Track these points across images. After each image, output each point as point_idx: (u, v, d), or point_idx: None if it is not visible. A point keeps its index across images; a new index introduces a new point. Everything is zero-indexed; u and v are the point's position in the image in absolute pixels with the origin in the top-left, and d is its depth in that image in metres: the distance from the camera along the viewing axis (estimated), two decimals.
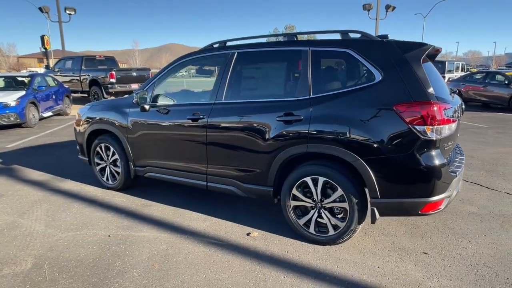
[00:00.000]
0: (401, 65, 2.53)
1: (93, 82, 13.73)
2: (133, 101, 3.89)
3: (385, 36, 2.78)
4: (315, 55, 2.87)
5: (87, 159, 4.52)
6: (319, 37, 3.23)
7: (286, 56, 3.15)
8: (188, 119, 3.39)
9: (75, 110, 9.32)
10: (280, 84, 3.25)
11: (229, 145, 3.20)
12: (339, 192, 2.70)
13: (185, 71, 3.88)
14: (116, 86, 13.30)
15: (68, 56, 15.87)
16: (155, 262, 2.69)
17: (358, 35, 2.89)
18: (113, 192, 4.24)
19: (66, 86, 12.32)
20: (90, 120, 4.30)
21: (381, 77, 2.57)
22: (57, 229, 3.26)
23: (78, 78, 14.24)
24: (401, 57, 2.56)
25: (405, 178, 2.50)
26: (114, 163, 4.20)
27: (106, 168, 4.31)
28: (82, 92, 14.39)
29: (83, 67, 14.28)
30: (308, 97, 2.81)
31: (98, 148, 4.30)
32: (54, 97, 10.60)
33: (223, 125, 3.20)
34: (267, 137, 2.94)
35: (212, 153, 3.31)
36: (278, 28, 64.85)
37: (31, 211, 3.69)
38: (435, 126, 2.39)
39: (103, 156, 4.29)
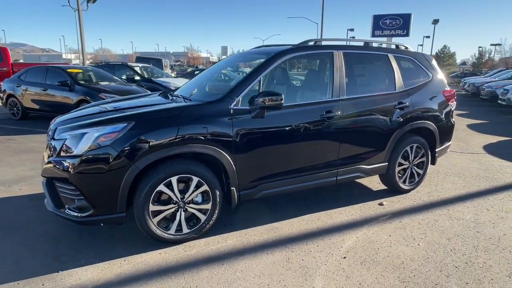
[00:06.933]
0: (435, 68, 4.29)
1: None
2: (232, 106, 2.95)
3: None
4: (397, 59, 3.96)
5: (124, 214, 2.66)
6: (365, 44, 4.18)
7: (378, 58, 3.92)
8: (321, 117, 3.30)
9: None
10: (381, 80, 3.95)
11: (360, 135, 3.59)
12: (422, 151, 4.11)
13: None
14: None
15: None
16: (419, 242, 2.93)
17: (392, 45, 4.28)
18: (201, 241, 2.93)
19: None
20: (147, 145, 2.60)
21: (432, 76, 4.20)
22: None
23: None
24: (432, 63, 4.30)
25: (447, 132, 4.36)
26: (191, 201, 2.89)
27: (178, 213, 2.83)
28: None
29: None
30: (403, 89, 3.91)
31: (162, 187, 2.71)
32: None
33: (355, 118, 3.51)
34: (389, 121, 3.72)
35: (344, 146, 3.49)
36: None
37: None
38: (455, 102, 4.40)
39: (173, 197, 2.78)
